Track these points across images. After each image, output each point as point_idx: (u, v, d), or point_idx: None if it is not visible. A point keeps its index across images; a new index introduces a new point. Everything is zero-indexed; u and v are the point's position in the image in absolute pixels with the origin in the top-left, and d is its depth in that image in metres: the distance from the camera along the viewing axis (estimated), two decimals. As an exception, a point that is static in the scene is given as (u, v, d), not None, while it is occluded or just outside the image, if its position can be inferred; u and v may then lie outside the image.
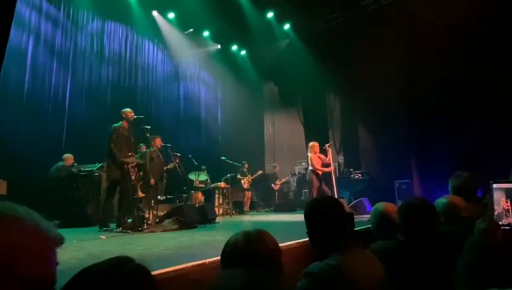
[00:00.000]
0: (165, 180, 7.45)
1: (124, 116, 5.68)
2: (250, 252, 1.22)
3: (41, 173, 6.72)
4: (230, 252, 1.28)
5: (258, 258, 1.20)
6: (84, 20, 8.88)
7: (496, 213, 1.58)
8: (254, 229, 1.35)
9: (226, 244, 1.32)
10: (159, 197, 6.95)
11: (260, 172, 10.75)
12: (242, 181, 10.16)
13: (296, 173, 11.62)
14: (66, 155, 7.02)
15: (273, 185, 11.20)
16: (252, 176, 10.36)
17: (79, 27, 8.71)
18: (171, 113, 10.95)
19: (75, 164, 7.03)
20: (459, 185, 2.72)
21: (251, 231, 1.32)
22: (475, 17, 7.56)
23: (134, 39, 10.12)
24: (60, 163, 6.90)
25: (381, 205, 2.29)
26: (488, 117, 7.65)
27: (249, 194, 10.39)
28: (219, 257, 2.48)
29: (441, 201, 2.31)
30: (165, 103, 10.87)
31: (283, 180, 11.49)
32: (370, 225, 2.35)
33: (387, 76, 9.24)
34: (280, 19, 11.01)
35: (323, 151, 7.72)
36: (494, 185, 1.68)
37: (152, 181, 6.44)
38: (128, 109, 5.79)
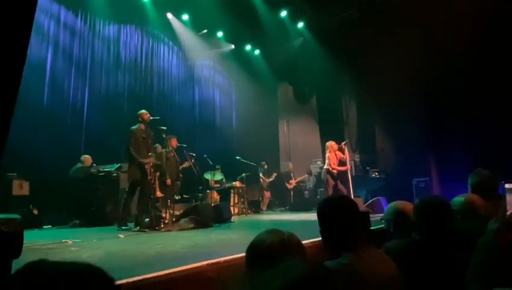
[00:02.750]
0: (179, 181, 7.53)
1: (141, 119, 5.82)
2: (285, 254, 1.21)
3: (61, 174, 6.91)
4: (266, 253, 1.24)
5: (293, 252, 1.21)
6: (101, 26, 9.03)
7: (508, 213, 1.53)
8: (286, 231, 1.33)
9: (261, 244, 1.28)
10: (174, 196, 7.05)
11: (275, 174, 10.97)
12: (262, 180, 10.29)
13: (313, 172, 11.56)
14: (85, 156, 7.19)
15: (287, 184, 11.22)
16: (269, 178, 10.52)
17: (95, 34, 8.87)
18: (187, 117, 11.00)
19: (94, 164, 7.20)
20: (478, 183, 2.66)
21: (284, 233, 1.30)
22: (495, 11, 7.35)
23: (150, 43, 10.23)
24: (79, 164, 7.07)
25: (397, 203, 2.27)
26: (508, 114, 7.42)
27: (267, 193, 10.53)
28: (234, 256, 2.51)
29: (458, 199, 2.26)
30: (180, 106, 10.93)
31: (298, 179, 11.48)
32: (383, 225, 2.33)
33: (404, 73, 9.06)
34: (293, 17, 10.96)
35: (339, 150, 7.68)
36: (507, 185, 1.63)
37: (169, 181, 6.53)
38: (144, 111, 5.92)
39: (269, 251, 1.25)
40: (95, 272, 0.71)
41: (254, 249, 1.30)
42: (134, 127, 5.74)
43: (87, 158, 7.19)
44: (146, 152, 5.76)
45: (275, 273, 0.75)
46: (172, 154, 6.71)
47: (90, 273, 0.70)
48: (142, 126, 5.79)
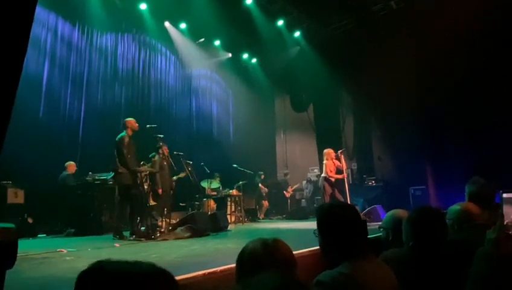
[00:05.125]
0: (171, 191, 7.36)
1: (129, 125, 5.66)
2: (268, 260, 1.21)
3: (57, 183, 6.87)
4: (249, 260, 1.27)
5: (276, 267, 1.19)
6: (98, 36, 9.00)
7: (506, 222, 1.53)
8: (270, 237, 1.34)
9: (243, 252, 1.31)
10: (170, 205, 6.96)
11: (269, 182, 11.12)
12: (262, 190, 10.43)
13: (311, 179, 11.57)
14: (68, 163, 7.13)
15: (285, 192, 11.20)
16: (266, 187, 10.67)
17: (93, 44, 8.85)
18: (184, 127, 10.95)
19: (90, 172, 7.15)
20: (476, 192, 2.66)
21: (268, 240, 1.31)
22: (491, 18, 7.45)
23: (147, 54, 10.21)
24: (64, 173, 7.02)
25: (396, 212, 2.27)
26: (505, 121, 7.48)
27: (266, 203, 10.54)
28: (231, 265, 2.49)
29: (455, 208, 2.26)
30: (177, 117, 10.86)
31: (295, 186, 11.47)
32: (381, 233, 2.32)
33: (400, 81, 9.13)
34: (290, 26, 11.07)
35: (336, 158, 7.70)
36: (505, 195, 1.63)
37: (160, 190, 6.37)
38: (132, 119, 5.78)
39: (251, 258, 1.26)
40: (160, 273, 0.72)
41: (239, 258, 1.32)
42: (123, 134, 5.60)
43: (70, 165, 7.12)
44: (135, 159, 5.69)
45: (247, 287, 0.74)
46: (165, 163, 6.61)
47: (156, 273, 0.71)
48: (130, 133, 5.65)
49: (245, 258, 1.28)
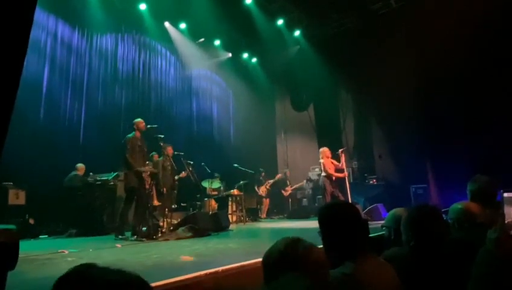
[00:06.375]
0: (175, 191, 7.36)
1: (136, 127, 5.76)
2: (300, 261, 1.16)
3: (58, 184, 6.88)
4: (280, 258, 1.19)
5: (307, 269, 1.13)
6: (98, 38, 8.96)
7: (507, 222, 1.52)
8: (306, 240, 1.26)
9: (273, 249, 1.23)
10: (172, 205, 6.98)
11: (279, 175, 11.08)
12: (260, 189, 10.34)
13: (311, 178, 11.54)
14: (79, 165, 7.17)
15: (283, 191, 11.17)
16: (269, 181, 10.56)
17: (92, 46, 8.82)
18: (184, 128, 10.94)
19: (91, 173, 7.16)
20: (477, 190, 2.65)
21: (303, 240, 1.25)
22: (491, 18, 7.44)
23: (147, 55, 10.18)
24: (73, 173, 7.03)
25: (398, 211, 2.26)
26: (507, 120, 7.47)
27: (267, 201, 10.50)
28: (232, 265, 2.49)
29: (456, 207, 2.25)
30: (178, 118, 10.84)
31: (296, 186, 11.45)
32: (384, 232, 2.32)
33: (401, 79, 9.12)
34: (290, 25, 11.07)
35: (335, 157, 7.70)
36: (506, 194, 1.62)
37: (165, 190, 6.47)
38: (139, 119, 5.87)
39: (280, 257, 1.19)
40: (143, 284, 0.69)
41: (268, 258, 1.24)
42: (130, 135, 5.70)
43: (81, 167, 7.17)
44: (142, 160, 5.75)
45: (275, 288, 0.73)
46: (169, 163, 6.65)
47: (138, 285, 0.69)
48: (138, 134, 5.74)
49: (276, 256, 1.20)
